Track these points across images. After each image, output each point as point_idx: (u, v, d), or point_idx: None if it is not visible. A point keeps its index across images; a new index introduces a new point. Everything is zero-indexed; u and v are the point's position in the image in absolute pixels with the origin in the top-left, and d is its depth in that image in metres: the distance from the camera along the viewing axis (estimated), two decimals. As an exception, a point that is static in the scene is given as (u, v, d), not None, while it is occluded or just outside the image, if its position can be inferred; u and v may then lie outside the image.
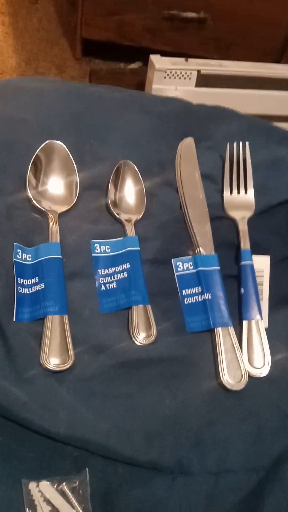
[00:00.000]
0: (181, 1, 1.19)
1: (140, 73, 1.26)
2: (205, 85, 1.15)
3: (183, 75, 1.13)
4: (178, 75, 1.13)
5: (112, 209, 0.42)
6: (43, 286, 0.37)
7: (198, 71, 1.12)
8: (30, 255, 0.39)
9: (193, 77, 1.13)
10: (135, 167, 0.44)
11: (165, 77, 1.12)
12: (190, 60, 1.14)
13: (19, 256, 0.38)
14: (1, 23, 1.43)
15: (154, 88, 1.12)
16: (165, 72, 1.11)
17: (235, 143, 0.47)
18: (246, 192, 0.45)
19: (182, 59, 1.14)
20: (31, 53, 1.36)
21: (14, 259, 0.38)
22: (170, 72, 1.12)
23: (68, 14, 1.47)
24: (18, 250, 0.39)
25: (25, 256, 0.39)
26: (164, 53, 1.13)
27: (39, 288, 0.37)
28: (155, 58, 1.13)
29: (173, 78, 1.13)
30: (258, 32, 1.26)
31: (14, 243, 0.38)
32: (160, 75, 1.11)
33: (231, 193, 0.45)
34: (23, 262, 0.38)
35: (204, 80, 1.14)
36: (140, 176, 0.44)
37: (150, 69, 1.13)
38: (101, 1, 1.20)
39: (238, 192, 0.45)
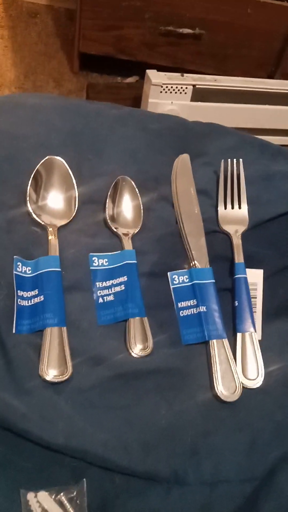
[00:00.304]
0: (177, 17, 1.21)
1: (136, 87, 1.28)
2: (200, 99, 1.17)
3: (179, 90, 1.16)
4: (174, 90, 1.16)
5: (110, 223, 0.43)
6: (43, 298, 0.38)
7: (194, 86, 1.15)
8: (30, 268, 0.40)
9: (188, 91, 1.16)
10: (133, 182, 0.46)
11: (161, 92, 1.14)
12: (186, 75, 1.16)
13: (19, 269, 0.39)
14: (0, 36, 1.45)
15: (151, 102, 1.14)
16: (161, 86, 1.13)
17: (229, 160, 0.49)
18: (240, 207, 0.47)
19: (178, 74, 1.16)
20: (29, 67, 1.38)
21: (14, 272, 0.39)
22: (166, 86, 1.14)
23: (66, 28, 1.50)
24: (18, 263, 0.39)
25: (25, 269, 0.40)
26: (160, 68, 1.15)
27: (38, 301, 0.38)
28: (151, 73, 1.15)
29: (169, 92, 1.15)
30: (253, 45, 1.28)
31: (14, 256, 0.39)
32: (157, 90, 1.13)
33: (225, 208, 0.47)
34: (23, 274, 0.39)
35: (199, 95, 1.17)
36: (137, 191, 0.46)
37: (146, 84, 1.15)
38: (99, 16, 1.22)
39: (232, 207, 0.47)
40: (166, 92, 1.15)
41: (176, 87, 1.14)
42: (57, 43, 1.46)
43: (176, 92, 1.15)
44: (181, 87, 1.15)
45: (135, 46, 1.29)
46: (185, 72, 1.15)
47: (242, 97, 1.20)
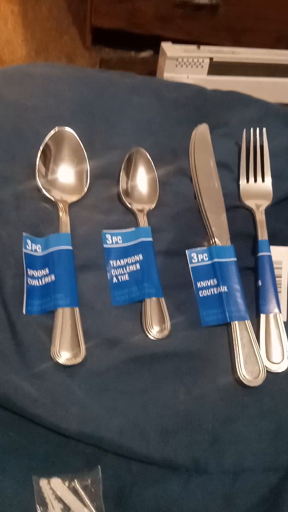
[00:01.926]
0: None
1: (151, 62, 1.24)
2: (217, 73, 1.12)
3: (195, 63, 1.11)
4: (190, 63, 1.11)
5: (124, 198, 0.41)
6: (54, 278, 0.36)
7: (211, 59, 1.10)
8: (39, 246, 0.38)
9: (205, 65, 1.11)
10: (148, 155, 0.43)
11: (176, 65, 1.10)
12: (202, 47, 1.12)
13: (28, 247, 0.37)
14: (11, 12, 1.41)
15: (166, 77, 1.10)
16: (177, 60, 1.09)
17: (251, 130, 0.45)
18: (263, 180, 0.44)
19: (194, 47, 1.11)
20: (41, 43, 1.35)
21: (24, 250, 0.37)
22: (182, 60, 1.10)
23: (78, 2, 1.45)
24: (28, 241, 0.37)
25: (35, 247, 0.38)
26: (175, 41, 1.11)
27: (49, 280, 0.36)
28: (166, 46, 1.11)
29: (185, 66, 1.11)
30: (271, 17, 1.23)
31: (23, 234, 0.37)
32: (172, 63, 1.09)
33: (247, 181, 0.44)
34: (33, 253, 0.37)
35: (216, 68, 1.12)
36: (153, 164, 0.43)
37: (161, 57, 1.11)
38: (111, -13, 1.18)
39: (255, 181, 0.44)
40: (181, 66, 1.10)
41: (192, 60, 1.10)
42: (68, 18, 1.42)
43: (192, 66, 1.11)
44: (198, 60, 1.10)
45: (149, 19, 1.24)
46: (201, 45, 1.11)
47: (262, 70, 1.15)
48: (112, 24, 1.25)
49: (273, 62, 1.15)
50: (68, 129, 0.42)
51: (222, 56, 1.11)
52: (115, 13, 1.22)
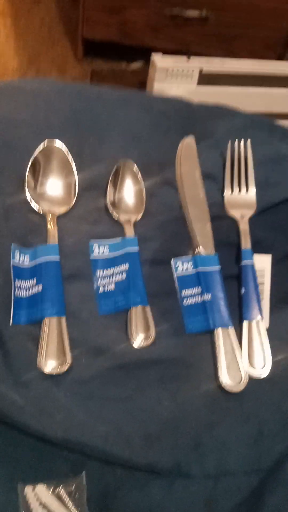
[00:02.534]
0: (182, -1, 1.18)
1: (142, 73, 1.26)
2: (207, 83, 1.14)
3: (185, 74, 1.13)
4: (180, 74, 1.13)
5: (111, 209, 0.42)
6: (41, 288, 0.37)
7: (200, 70, 1.12)
8: (28, 257, 0.39)
9: (195, 75, 1.13)
10: (135, 166, 0.44)
11: (167, 76, 1.11)
12: (192, 58, 1.13)
13: (16, 257, 0.38)
14: (3, 25, 1.43)
15: (156, 87, 1.12)
16: (167, 70, 1.11)
17: (236, 141, 0.47)
18: (247, 190, 0.45)
19: (184, 58, 1.13)
20: (32, 54, 1.36)
21: (12, 261, 0.38)
22: (172, 70, 1.11)
23: (70, 14, 1.47)
24: (16, 252, 0.38)
25: (23, 258, 0.38)
26: (166, 51, 1.13)
27: (36, 291, 0.37)
28: (157, 57, 1.13)
29: (175, 77, 1.12)
30: (262, 24, 1.25)
31: (12, 245, 0.38)
32: (162, 74, 1.11)
33: (232, 192, 0.45)
34: (21, 264, 0.38)
35: (206, 79, 1.14)
36: (140, 176, 0.44)
37: (151, 68, 1.12)
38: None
39: (239, 191, 0.45)
40: (172, 76, 1.12)
41: (182, 71, 1.12)
42: (60, 30, 1.44)
43: (182, 77, 1.13)
44: (187, 71, 1.12)
45: (140, 30, 1.26)
46: (192, 55, 1.13)
47: (250, 80, 1.17)
48: (103, 35, 1.27)
49: (262, 73, 1.17)
50: (57, 142, 0.43)
51: (211, 66, 1.13)
52: (107, 23, 1.24)
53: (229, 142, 0.47)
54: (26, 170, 0.41)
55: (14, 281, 0.37)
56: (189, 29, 1.22)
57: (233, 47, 1.25)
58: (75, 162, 0.43)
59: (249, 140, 0.47)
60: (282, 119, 1.35)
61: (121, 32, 1.25)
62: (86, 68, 1.33)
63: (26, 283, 0.37)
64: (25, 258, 0.38)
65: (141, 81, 1.20)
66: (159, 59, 1.11)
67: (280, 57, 1.26)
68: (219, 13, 1.19)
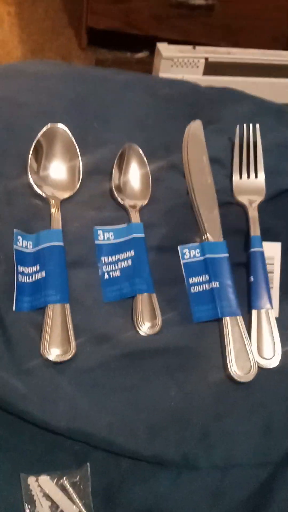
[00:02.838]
0: (188, -13, 1.16)
1: (146, 63, 1.24)
2: (213, 73, 1.13)
3: (190, 63, 1.11)
4: (185, 63, 1.11)
5: (116, 194, 0.41)
6: (44, 274, 0.36)
7: (206, 59, 1.10)
8: (30, 242, 0.37)
9: (200, 65, 1.11)
10: (140, 151, 0.43)
11: (172, 66, 1.10)
12: (197, 47, 1.12)
13: (19, 243, 0.37)
14: (7, 13, 1.41)
15: (161, 77, 1.10)
16: (172, 60, 1.09)
17: (244, 125, 0.45)
18: (256, 176, 0.44)
19: (189, 47, 1.11)
20: (36, 44, 1.35)
21: (14, 246, 0.36)
22: (177, 60, 1.10)
23: (73, 3, 1.45)
24: (19, 237, 0.37)
25: (26, 243, 0.37)
26: (171, 41, 1.11)
27: (40, 277, 0.36)
28: (162, 46, 1.11)
29: (180, 66, 1.11)
30: (267, 16, 1.23)
31: (14, 230, 0.37)
32: (167, 64, 1.09)
33: (240, 177, 0.44)
34: (24, 249, 0.37)
35: (212, 68, 1.12)
36: (146, 160, 0.43)
37: (156, 58, 1.11)
38: (107, -12, 1.18)
39: (248, 176, 0.44)
40: (177, 66, 1.10)
41: (188, 61, 1.10)
42: (64, 19, 1.42)
43: (187, 66, 1.11)
44: (193, 61, 1.10)
45: (145, 19, 1.25)
46: (197, 45, 1.11)
47: (257, 70, 1.15)
48: (107, 24, 1.25)
49: (269, 63, 1.15)
50: (60, 125, 0.42)
51: (217, 56, 1.11)
52: (111, 14, 1.22)
53: (237, 127, 0.45)
54: (29, 153, 0.40)
55: (17, 267, 0.36)
56: (194, 19, 1.20)
57: (239, 38, 1.23)
58: (79, 146, 0.42)
59: (257, 125, 0.45)
60: (289, 110, 1.31)
61: (125, 22, 1.24)
62: (91, 58, 1.32)
63: (29, 269, 0.36)
64: (28, 243, 0.37)
65: (146, 71, 1.18)
66: (164, 48, 1.09)
67: (285, 49, 1.24)
68: (225, 3, 1.18)
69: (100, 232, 0.39)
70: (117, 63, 1.30)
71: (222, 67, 1.14)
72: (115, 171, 0.42)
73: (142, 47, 1.34)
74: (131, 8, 1.21)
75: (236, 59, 1.14)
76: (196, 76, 1.13)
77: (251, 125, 0.45)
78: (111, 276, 0.38)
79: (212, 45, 1.13)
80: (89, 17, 1.25)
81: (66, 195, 0.40)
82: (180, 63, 1.11)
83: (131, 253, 0.38)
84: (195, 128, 0.45)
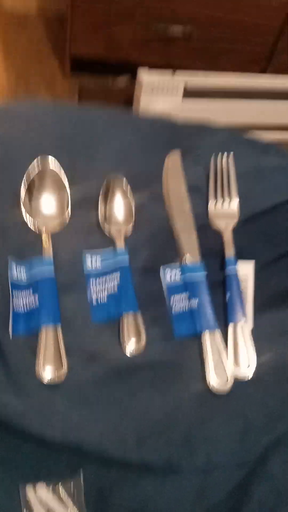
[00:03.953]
0: (168, 15, 1.21)
1: (128, 87, 1.29)
2: (192, 96, 1.18)
3: (170, 88, 1.16)
4: (165, 88, 1.16)
5: (102, 223, 0.44)
6: (37, 300, 0.39)
7: (185, 83, 1.15)
8: (24, 270, 0.41)
9: (180, 89, 1.16)
10: (124, 182, 0.46)
11: (153, 90, 1.15)
12: (177, 72, 1.17)
13: (14, 271, 0.40)
14: (-8, 42, 1.45)
15: (143, 101, 1.15)
16: (153, 85, 1.14)
17: (219, 155, 0.49)
18: (230, 201, 0.47)
19: (169, 72, 1.17)
20: (21, 71, 1.39)
21: (9, 274, 0.40)
22: (158, 85, 1.15)
23: (57, 32, 1.51)
24: (13, 265, 0.40)
25: (20, 271, 0.41)
26: (152, 66, 1.16)
27: (33, 302, 0.39)
28: (143, 72, 1.16)
29: (160, 90, 1.16)
30: (245, 39, 1.28)
31: (9, 258, 0.40)
32: (148, 88, 1.14)
33: (216, 203, 0.47)
34: (18, 277, 0.40)
35: (191, 92, 1.17)
36: (130, 190, 0.46)
37: (138, 83, 1.16)
38: (89, 16, 1.23)
39: (223, 202, 0.47)
40: (158, 90, 1.15)
41: (168, 85, 1.15)
42: (48, 47, 1.47)
43: (168, 90, 1.16)
44: (173, 85, 1.15)
45: (126, 46, 1.29)
46: (178, 69, 1.16)
47: (234, 93, 1.21)
48: (90, 51, 1.30)
49: (245, 86, 1.21)
50: (50, 158, 0.45)
51: (196, 80, 1.17)
52: (94, 39, 1.27)
53: (212, 156, 0.49)
54: (19, 188, 0.44)
55: (12, 294, 0.39)
56: (174, 44, 1.25)
57: (218, 61, 1.29)
58: (67, 178, 0.45)
59: (231, 153, 0.50)
60: (265, 130, 1.39)
61: (107, 48, 1.29)
62: (74, 84, 1.36)
63: (23, 296, 0.39)
64: (22, 271, 0.40)
65: (128, 95, 1.23)
66: (145, 74, 1.14)
67: (263, 71, 1.30)
68: (204, 29, 1.23)
69: (88, 257, 0.43)
70: (99, 89, 1.34)
71: (201, 91, 1.19)
72: (101, 201, 0.45)
73: (124, 71, 1.39)
74: (113, 35, 1.26)
75: (213, 83, 1.19)
76: (176, 99, 1.18)
77: (225, 154, 0.49)
78: (99, 298, 0.41)
79: (192, 69, 1.18)
80: (72, 45, 1.30)
81: (56, 225, 0.44)
82: (160, 87, 1.16)
83: (117, 276, 0.42)
84: (174, 159, 0.49)
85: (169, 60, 1.28)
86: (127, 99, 1.23)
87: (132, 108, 1.21)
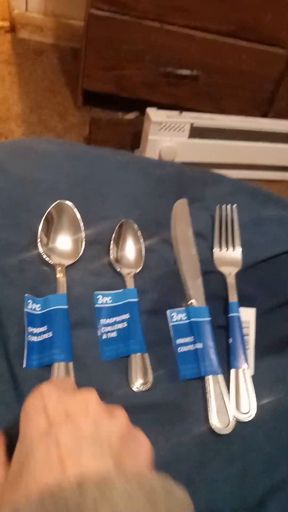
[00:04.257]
0: (176, 60, 1.28)
1: (137, 123, 1.34)
2: (198, 136, 1.23)
3: (177, 127, 1.22)
4: (172, 127, 1.22)
5: (114, 264, 0.47)
6: (51, 334, 0.41)
7: (191, 124, 1.21)
8: (39, 305, 0.43)
9: (186, 129, 1.22)
10: (135, 225, 0.49)
11: (160, 129, 1.20)
12: (184, 113, 1.23)
13: (29, 306, 0.42)
14: (8, 72, 1.52)
15: (150, 139, 1.20)
16: (161, 124, 1.19)
17: (224, 205, 0.53)
18: (234, 249, 0.50)
19: (176, 112, 1.22)
20: (35, 101, 1.45)
21: (25, 309, 0.42)
22: (165, 124, 1.20)
23: (70, 65, 1.58)
24: (29, 301, 0.43)
25: (35, 306, 0.43)
26: (160, 105, 1.22)
27: (47, 337, 0.41)
28: (151, 111, 1.21)
29: (168, 130, 1.21)
30: (247, 86, 1.35)
31: (25, 295, 0.42)
32: (156, 127, 1.19)
33: (220, 249, 0.50)
34: (33, 312, 0.42)
35: (197, 132, 1.23)
36: (140, 234, 0.49)
37: (146, 121, 1.21)
38: (102, 56, 1.30)
39: (227, 249, 0.50)
40: (165, 129, 1.21)
41: (175, 125, 1.21)
42: (61, 80, 1.54)
43: (174, 130, 1.21)
44: (180, 125, 1.21)
45: (136, 85, 1.36)
46: (184, 110, 1.22)
47: (237, 135, 1.27)
48: (101, 87, 1.36)
49: (248, 128, 1.27)
50: (67, 202, 0.48)
51: (201, 121, 1.22)
52: (105, 78, 1.33)
53: (217, 206, 0.53)
54: (37, 226, 0.46)
55: (27, 328, 0.41)
56: (181, 86, 1.32)
57: (221, 105, 1.35)
58: (81, 220, 0.48)
59: (235, 205, 0.53)
60: (265, 170, 1.45)
61: (118, 86, 1.35)
62: (85, 116, 1.42)
63: (37, 330, 0.41)
64: (37, 306, 0.43)
65: (136, 131, 1.28)
66: (153, 113, 1.20)
67: (265, 115, 1.37)
68: (209, 74, 1.30)
69: (99, 297, 0.45)
70: (109, 123, 1.40)
71: (206, 131, 1.25)
72: (112, 243, 0.48)
73: (133, 107, 1.45)
74: (124, 75, 1.33)
75: (218, 124, 1.25)
76: (182, 139, 1.24)
77: (229, 205, 0.53)
78: (109, 337, 0.43)
79: (197, 110, 1.25)
80: (85, 81, 1.36)
81: (70, 262, 0.46)
82: (167, 127, 1.21)
83: (126, 316, 0.44)
84: (181, 206, 0.53)
85: (176, 101, 1.34)
86: (135, 135, 1.28)
87: (140, 141, 1.26)
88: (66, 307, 0.43)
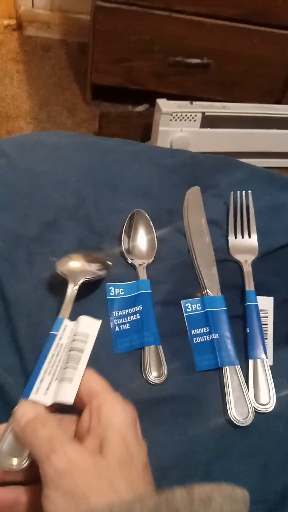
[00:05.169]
0: (185, 48, 1.26)
1: (147, 115, 1.33)
2: (209, 126, 1.21)
3: (188, 117, 1.20)
4: (183, 117, 1.20)
5: (126, 255, 0.46)
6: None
7: (203, 113, 1.19)
8: (122, 289, 0.44)
9: (198, 118, 1.20)
10: (147, 215, 0.48)
11: (171, 120, 1.18)
12: (194, 103, 1.21)
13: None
14: (16, 70, 1.52)
15: (161, 130, 1.18)
16: (171, 114, 1.17)
17: (238, 192, 0.51)
18: (249, 236, 0.49)
19: (187, 102, 1.20)
20: (43, 98, 1.44)
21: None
22: (176, 114, 1.18)
23: (78, 60, 1.57)
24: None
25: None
26: (170, 96, 1.20)
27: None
28: (161, 102, 1.20)
29: (179, 120, 1.19)
30: (260, 72, 1.32)
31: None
32: (167, 118, 1.18)
33: (235, 237, 0.49)
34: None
35: (208, 121, 1.21)
36: (152, 224, 0.48)
37: (157, 112, 1.19)
38: (110, 49, 1.28)
39: (242, 237, 0.49)
40: (176, 119, 1.19)
41: (186, 115, 1.19)
42: (70, 75, 1.53)
43: (185, 120, 1.19)
44: (191, 115, 1.19)
45: (145, 77, 1.34)
46: (194, 100, 1.20)
47: (250, 123, 1.24)
48: (110, 81, 1.35)
49: (260, 116, 1.24)
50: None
51: (213, 110, 1.20)
52: (114, 71, 1.32)
53: (232, 192, 0.51)
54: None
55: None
56: (191, 76, 1.30)
57: (233, 93, 1.32)
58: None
59: (250, 192, 0.51)
60: (279, 158, 1.41)
61: (127, 78, 1.34)
62: (95, 111, 1.41)
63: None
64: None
65: (147, 123, 1.27)
66: (163, 104, 1.18)
67: (278, 101, 1.34)
68: (220, 62, 1.27)
69: (111, 288, 0.44)
70: (119, 116, 1.38)
71: (217, 120, 1.23)
72: (124, 234, 0.47)
73: (143, 100, 1.43)
74: (133, 67, 1.31)
75: (230, 113, 1.22)
76: (194, 129, 1.22)
77: (244, 191, 0.51)
78: (121, 329, 0.42)
79: (208, 100, 1.22)
80: (93, 75, 1.35)
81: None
82: (178, 117, 1.19)
83: (139, 307, 0.43)
84: (194, 194, 0.51)
85: (187, 91, 1.32)
86: (146, 128, 1.27)
87: (150, 134, 1.24)
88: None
